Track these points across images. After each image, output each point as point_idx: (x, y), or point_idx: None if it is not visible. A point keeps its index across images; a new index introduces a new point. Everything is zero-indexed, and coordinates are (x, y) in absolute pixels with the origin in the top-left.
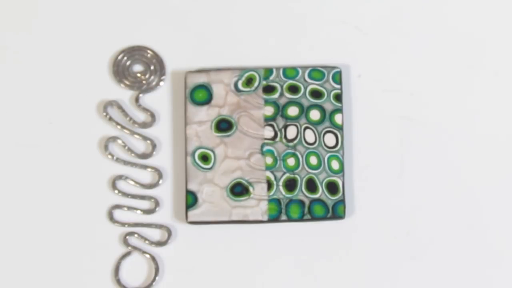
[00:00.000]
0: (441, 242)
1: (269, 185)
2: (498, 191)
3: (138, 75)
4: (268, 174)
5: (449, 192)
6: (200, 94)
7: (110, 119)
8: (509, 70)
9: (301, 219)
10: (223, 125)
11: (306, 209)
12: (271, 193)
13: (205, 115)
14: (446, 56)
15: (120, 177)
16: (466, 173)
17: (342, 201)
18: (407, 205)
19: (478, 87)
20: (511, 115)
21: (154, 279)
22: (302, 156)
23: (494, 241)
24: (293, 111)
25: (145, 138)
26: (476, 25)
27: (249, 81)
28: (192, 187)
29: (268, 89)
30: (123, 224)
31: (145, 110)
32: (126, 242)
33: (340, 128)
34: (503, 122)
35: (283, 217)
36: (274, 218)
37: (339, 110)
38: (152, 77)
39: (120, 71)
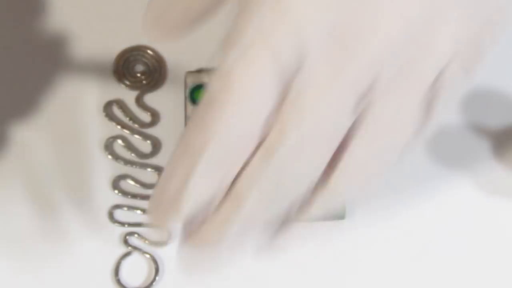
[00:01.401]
0: (441, 242)
1: None
2: (500, 190)
3: (138, 75)
4: None
5: (449, 192)
6: (200, 94)
7: (110, 119)
8: None
9: None
10: None
11: None
12: None
13: None
14: None
15: (120, 177)
16: (466, 173)
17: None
18: (407, 204)
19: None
20: None
21: (154, 279)
22: None
23: (496, 241)
24: None
25: (145, 138)
26: None
27: None
28: None
29: None
30: (123, 224)
31: (145, 110)
32: (126, 242)
33: None
34: None
35: None
36: None
37: None
38: (152, 77)
39: (120, 71)
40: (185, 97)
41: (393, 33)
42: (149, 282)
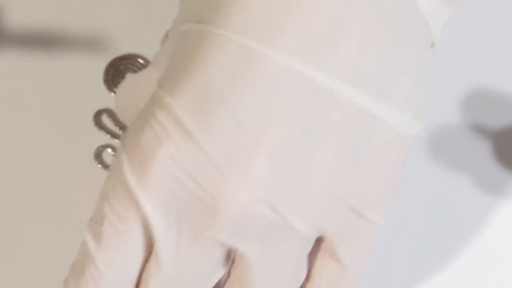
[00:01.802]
0: (440, 243)
1: None
2: (500, 190)
3: None
4: None
5: (449, 192)
6: None
7: (100, 128)
8: None
9: None
10: None
11: None
12: None
13: None
14: (445, 53)
15: None
16: (466, 173)
17: None
18: (407, 204)
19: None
20: None
21: None
22: None
23: (496, 241)
24: None
25: None
26: (477, 25)
27: None
28: None
29: None
30: None
31: None
32: None
33: None
34: None
35: None
36: None
37: None
38: None
39: (110, 80)
40: None
41: (239, 206)
42: None
